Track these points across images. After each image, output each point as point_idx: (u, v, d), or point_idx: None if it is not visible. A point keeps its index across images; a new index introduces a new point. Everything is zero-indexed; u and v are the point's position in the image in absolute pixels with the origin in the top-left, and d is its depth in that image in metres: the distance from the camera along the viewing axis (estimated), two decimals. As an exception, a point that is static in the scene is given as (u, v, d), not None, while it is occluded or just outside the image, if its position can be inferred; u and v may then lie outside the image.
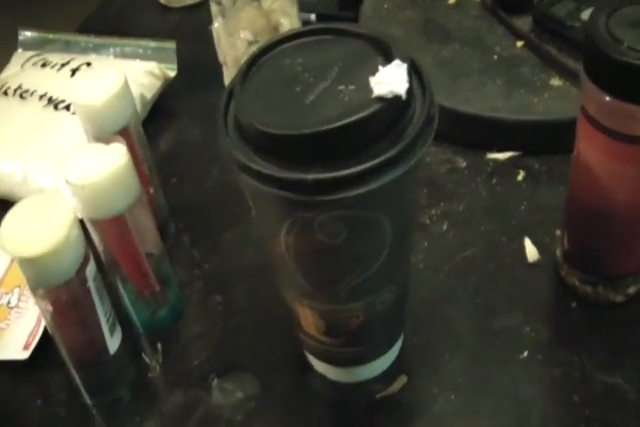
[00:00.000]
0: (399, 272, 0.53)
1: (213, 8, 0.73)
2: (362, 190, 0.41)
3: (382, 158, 0.41)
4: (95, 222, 0.56)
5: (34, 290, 0.52)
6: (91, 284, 0.53)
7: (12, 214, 0.51)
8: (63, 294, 0.52)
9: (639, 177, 0.51)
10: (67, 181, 0.53)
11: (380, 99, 0.41)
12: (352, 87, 0.43)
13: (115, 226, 0.56)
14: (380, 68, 0.42)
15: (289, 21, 0.73)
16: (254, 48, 0.71)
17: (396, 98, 0.41)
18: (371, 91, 0.42)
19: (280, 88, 0.45)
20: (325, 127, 0.40)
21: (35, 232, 0.50)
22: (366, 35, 0.46)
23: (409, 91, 0.42)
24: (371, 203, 0.43)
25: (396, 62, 0.42)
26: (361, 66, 0.45)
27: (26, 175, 0.74)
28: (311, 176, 0.41)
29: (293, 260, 0.48)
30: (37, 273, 0.51)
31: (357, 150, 0.41)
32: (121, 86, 0.61)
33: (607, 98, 0.48)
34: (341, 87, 0.44)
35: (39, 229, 0.50)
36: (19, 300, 0.66)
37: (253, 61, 0.47)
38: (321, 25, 0.49)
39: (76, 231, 0.51)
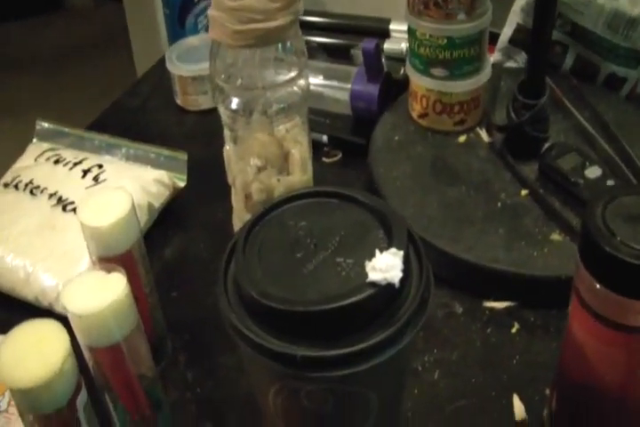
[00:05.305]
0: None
1: (226, 132, 0.74)
2: (347, 371, 0.42)
3: (370, 343, 0.42)
4: (91, 349, 0.56)
5: (23, 414, 0.53)
6: (81, 414, 0.54)
7: (9, 340, 0.51)
8: (53, 421, 0.52)
9: (626, 361, 0.51)
10: (66, 309, 0.54)
11: (374, 284, 0.42)
12: (350, 261, 0.45)
13: (110, 353, 0.57)
14: (378, 253, 0.43)
15: (299, 151, 0.74)
16: (264, 175, 0.73)
17: (389, 285, 0.42)
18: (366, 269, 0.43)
19: (282, 252, 0.46)
20: (318, 308, 0.41)
21: (30, 362, 0.50)
22: (370, 205, 0.48)
23: (403, 278, 0.43)
24: (358, 381, 0.44)
25: (393, 250, 0.43)
26: (361, 238, 0.46)
27: (29, 273, 0.75)
28: (300, 353, 0.42)
29: (281, 418, 0.49)
30: (29, 402, 0.51)
31: (348, 331, 0.42)
32: (128, 210, 0.62)
33: (598, 286, 0.48)
34: (340, 259, 0.45)
35: (34, 358, 0.50)
36: (8, 404, 0.65)
37: (259, 218, 0.48)
38: (328, 188, 0.50)
39: (70, 363, 0.51)
